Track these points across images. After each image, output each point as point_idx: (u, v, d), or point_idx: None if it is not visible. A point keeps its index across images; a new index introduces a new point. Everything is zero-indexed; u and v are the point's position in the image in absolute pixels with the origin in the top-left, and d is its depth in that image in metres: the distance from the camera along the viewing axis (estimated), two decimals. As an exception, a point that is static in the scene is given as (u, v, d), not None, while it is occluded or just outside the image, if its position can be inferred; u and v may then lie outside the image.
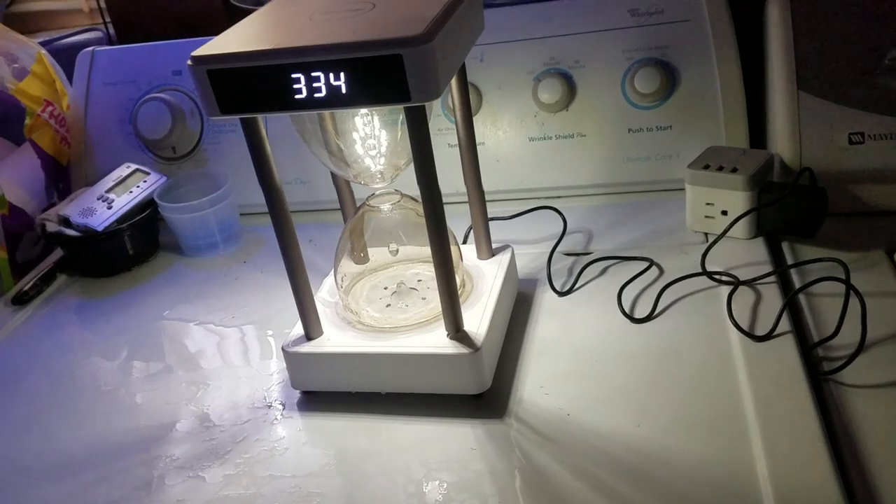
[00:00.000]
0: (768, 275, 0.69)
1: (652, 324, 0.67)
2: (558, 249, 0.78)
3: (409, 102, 0.49)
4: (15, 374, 0.75)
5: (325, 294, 0.69)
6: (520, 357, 0.65)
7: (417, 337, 0.61)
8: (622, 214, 0.83)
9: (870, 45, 0.76)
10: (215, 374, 0.70)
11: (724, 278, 0.70)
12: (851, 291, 0.63)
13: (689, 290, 0.70)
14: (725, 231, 0.73)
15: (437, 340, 0.60)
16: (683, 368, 0.61)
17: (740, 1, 0.84)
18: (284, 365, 0.64)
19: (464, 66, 0.61)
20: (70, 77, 1.02)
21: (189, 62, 0.51)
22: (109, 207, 0.87)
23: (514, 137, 0.88)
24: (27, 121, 0.96)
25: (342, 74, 0.49)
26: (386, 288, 0.68)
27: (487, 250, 0.70)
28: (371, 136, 0.60)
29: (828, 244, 0.73)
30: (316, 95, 0.50)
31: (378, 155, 0.61)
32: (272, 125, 0.90)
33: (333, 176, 0.68)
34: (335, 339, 0.63)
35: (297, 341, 0.63)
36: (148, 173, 0.92)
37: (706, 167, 0.75)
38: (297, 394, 0.65)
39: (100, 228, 0.86)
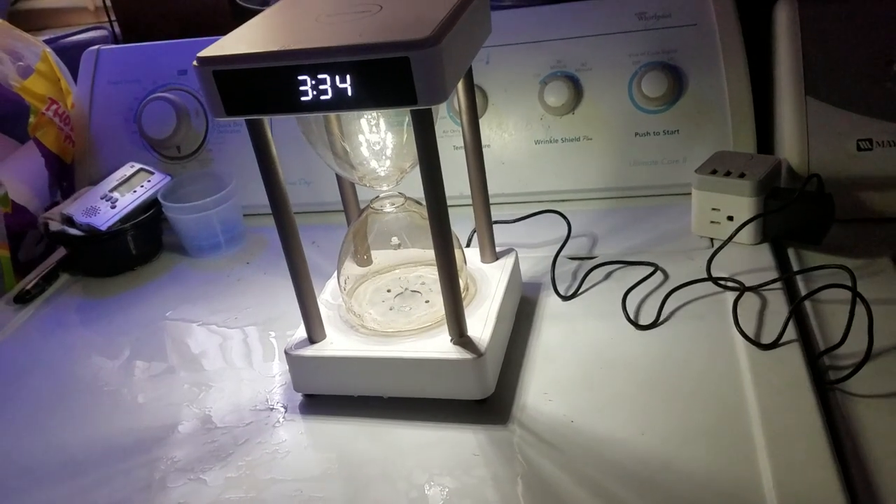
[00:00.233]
0: (774, 281, 0.69)
1: (657, 330, 0.66)
2: (563, 253, 0.78)
3: (415, 105, 0.49)
4: (16, 374, 0.75)
5: (328, 296, 0.69)
6: (523, 362, 0.65)
7: (420, 341, 0.61)
8: (627, 218, 0.83)
9: (879, 51, 0.75)
10: (217, 376, 0.70)
11: (730, 284, 0.69)
12: (858, 299, 0.62)
13: (695, 296, 0.69)
14: (732, 236, 0.73)
15: (440, 345, 0.60)
16: (688, 375, 0.61)
17: (748, 5, 0.84)
18: (287, 367, 0.64)
19: (470, 68, 0.61)
20: (75, 75, 1.02)
21: (195, 63, 0.51)
22: (113, 207, 0.87)
23: (519, 140, 0.88)
24: (31, 119, 0.96)
25: (348, 77, 0.49)
26: (389, 291, 0.68)
27: (491, 254, 0.70)
28: (377, 138, 0.59)
29: (834, 251, 0.72)
30: (322, 98, 0.50)
31: (384, 157, 0.61)
32: (277, 125, 0.90)
33: (338, 178, 0.68)
34: (338, 342, 0.63)
35: (300, 344, 0.63)
36: (152, 173, 0.92)
37: (713, 172, 0.75)
38: (299, 397, 0.65)
39: (103, 228, 0.85)
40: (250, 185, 0.84)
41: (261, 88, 0.51)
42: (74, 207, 0.87)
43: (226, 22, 1.06)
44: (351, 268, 0.68)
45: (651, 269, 0.74)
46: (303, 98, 0.50)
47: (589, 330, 0.68)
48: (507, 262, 0.69)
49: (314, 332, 0.63)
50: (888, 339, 0.61)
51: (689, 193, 0.77)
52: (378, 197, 0.65)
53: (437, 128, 0.53)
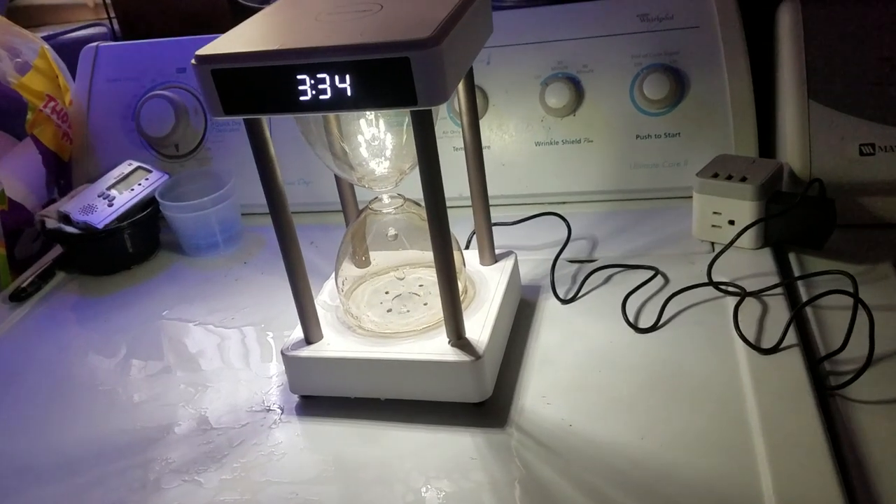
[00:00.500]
0: (775, 286, 0.68)
1: (656, 334, 0.66)
2: (562, 256, 0.78)
3: (415, 106, 0.49)
4: (11, 372, 0.74)
5: (325, 297, 0.68)
6: (522, 365, 0.64)
7: (418, 343, 0.61)
8: (628, 222, 0.82)
9: (882, 56, 0.75)
10: (214, 376, 0.69)
11: (731, 289, 0.69)
12: (859, 305, 0.62)
13: (695, 301, 0.69)
14: (733, 241, 0.73)
15: (438, 347, 0.59)
16: (688, 380, 0.60)
17: (751, 8, 0.83)
18: (284, 368, 0.63)
19: (471, 68, 0.60)
20: (74, 72, 1.02)
21: (193, 61, 0.50)
22: (110, 205, 0.87)
23: (520, 142, 0.87)
24: (29, 116, 0.95)
25: (348, 77, 0.48)
26: (387, 292, 0.67)
27: (491, 256, 0.70)
28: (376, 139, 0.59)
29: (836, 256, 0.72)
30: (321, 97, 0.49)
31: (383, 158, 0.60)
32: (276, 124, 0.90)
33: (337, 178, 0.67)
34: (335, 343, 0.62)
35: (297, 345, 0.62)
36: (150, 171, 0.91)
37: (715, 175, 0.74)
38: (295, 398, 0.64)
39: (100, 226, 0.85)
40: (249, 184, 0.84)
41: (259, 88, 0.50)
42: (71, 205, 0.87)
43: (225, 20, 1.05)
44: (349, 269, 0.67)
45: (651, 272, 0.73)
46: (301, 98, 0.49)
47: (588, 333, 0.67)
48: (506, 265, 0.69)
49: (311, 333, 0.62)
50: (889, 344, 0.61)
51: (691, 197, 0.76)
52: (377, 198, 0.64)
53: (436, 128, 0.53)
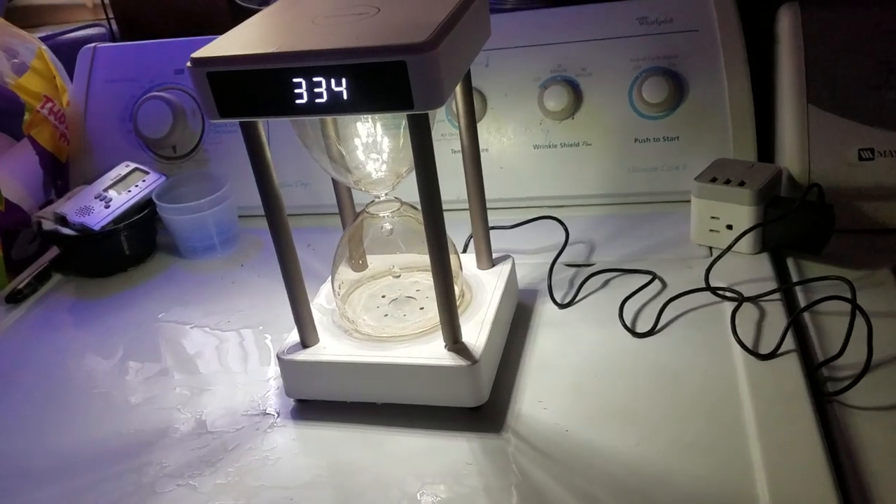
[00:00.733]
0: (773, 291, 0.68)
1: (654, 339, 0.66)
2: (560, 260, 0.77)
3: (411, 110, 0.48)
4: (6, 374, 0.74)
5: (322, 301, 0.68)
6: (518, 370, 0.64)
7: (415, 347, 0.60)
8: (626, 226, 0.82)
9: (881, 60, 0.75)
10: (210, 379, 0.69)
11: (728, 294, 0.69)
12: (857, 311, 0.62)
13: (693, 306, 0.69)
14: (731, 246, 0.72)
15: (434, 351, 0.59)
16: (685, 385, 0.60)
17: (750, 12, 0.83)
18: (280, 372, 0.63)
19: (469, 71, 0.60)
20: (71, 73, 1.01)
21: (188, 64, 0.50)
22: (107, 206, 0.86)
23: (518, 145, 0.87)
24: (26, 116, 0.95)
25: (344, 80, 0.48)
26: (384, 296, 0.67)
27: (488, 260, 0.69)
28: (373, 142, 0.59)
29: (834, 261, 0.71)
30: (317, 101, 0.49)
31: (380, 161, 0.60)
32: (274, 126, 0.90)
33: (334, 181, 0.67)
34: (331, 347, 0.62)
35: (293, 349, 0.62)
36: (147, 172, 0.91)
37: (713, 180, 0.74)
38: (291, 401, 0.64)
39: (96, 228, 0.85)
40: (246, 186, 0.83)
41: (255, 91, 0.50)
42: (68, 206, 0.87)
43: (224, 21, 1.05)
44: (346, 273, 0.67)
45: (649, 277, 0.73)
46: (298, 101, 0.49)
47: (585, 338, 0.67)
48: (503, 269, 0.69)
49: (307, 337, 0.62)
50: (887, 351, 0.60)
51: (689, 201, 0.76)
52: (373, 202, 0.64)
53: (434, 131, 0.53)
